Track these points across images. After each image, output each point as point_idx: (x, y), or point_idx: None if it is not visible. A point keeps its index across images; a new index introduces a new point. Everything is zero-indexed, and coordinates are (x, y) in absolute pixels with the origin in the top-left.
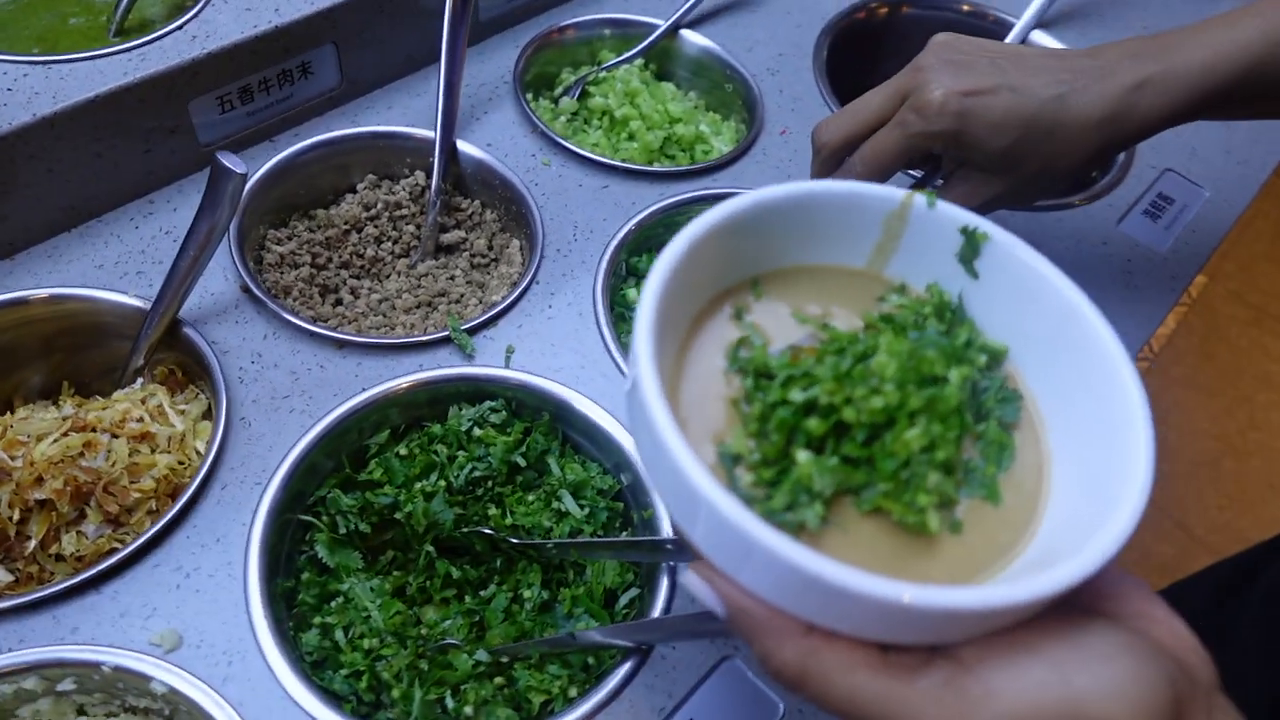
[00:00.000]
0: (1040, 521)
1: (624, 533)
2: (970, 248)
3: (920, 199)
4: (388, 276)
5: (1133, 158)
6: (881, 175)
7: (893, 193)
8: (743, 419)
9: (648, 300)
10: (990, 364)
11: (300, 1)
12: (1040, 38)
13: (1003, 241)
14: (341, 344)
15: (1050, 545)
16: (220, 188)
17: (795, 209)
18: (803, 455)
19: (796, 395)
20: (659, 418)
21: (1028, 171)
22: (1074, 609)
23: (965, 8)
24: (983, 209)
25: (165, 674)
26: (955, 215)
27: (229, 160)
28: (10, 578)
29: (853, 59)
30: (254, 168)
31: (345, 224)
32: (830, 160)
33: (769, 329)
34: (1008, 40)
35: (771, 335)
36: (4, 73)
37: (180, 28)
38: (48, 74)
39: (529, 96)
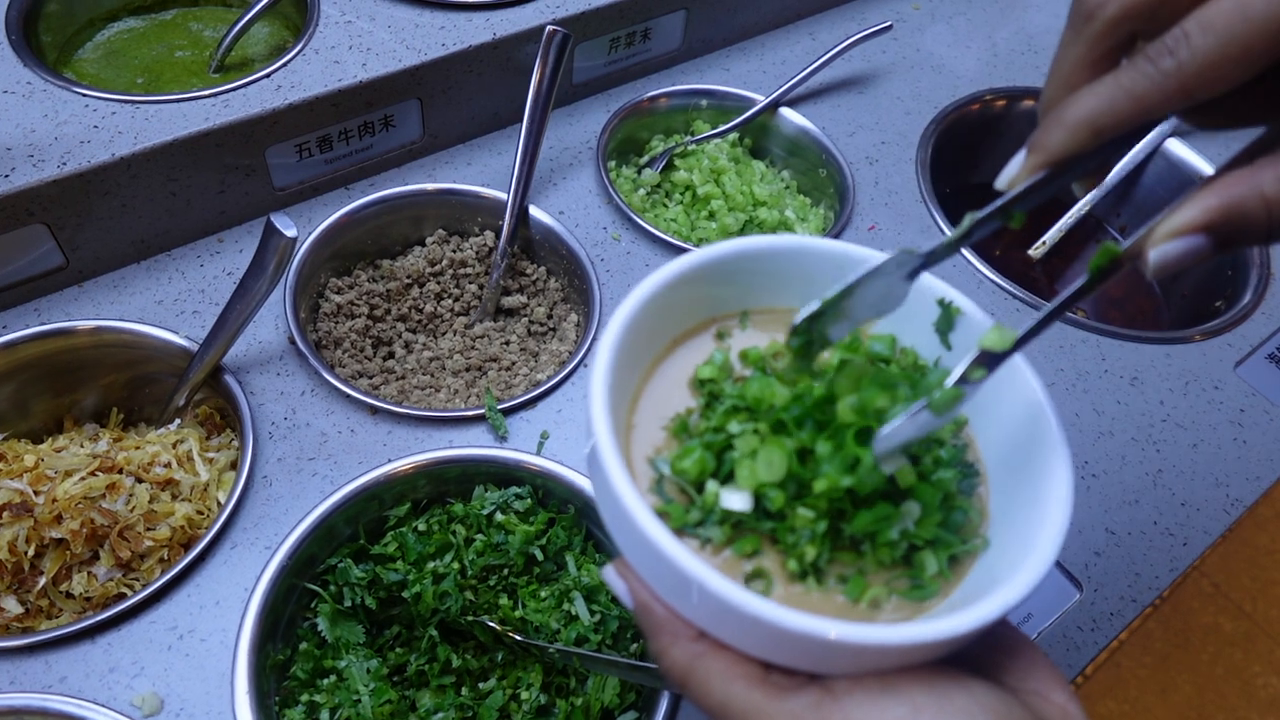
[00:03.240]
0: (955, 589)
1: (634, 645)
2: (945, 320)
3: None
4: (443, 334)
5: (1264, 293)
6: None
7: (878, 256)
8: (688, 432)
9: (630, 305)
10: (951, 425)
11: (388, 58)
12: (1177, 147)
13: (975, 319)
14: (375, 410)
15: (950, 613)
16: (269, 247)
17: (781, 256)
18: (711, 485)
19: (734, 427)
20: (598, 419)
21: None
22: (965, 668)
23: None
24: None
25: None
26: (933, 287)
27: (280, 223)
28: (20, 609)
29: (960, 155)
30: (324, 215)
31: (408, 277)
32: (1107, 35)
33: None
34: (1134, 150)
35: (737, 361)
36: (94, 110)
37: (267, 76)
38: (134, 114)
39: (612, 164)
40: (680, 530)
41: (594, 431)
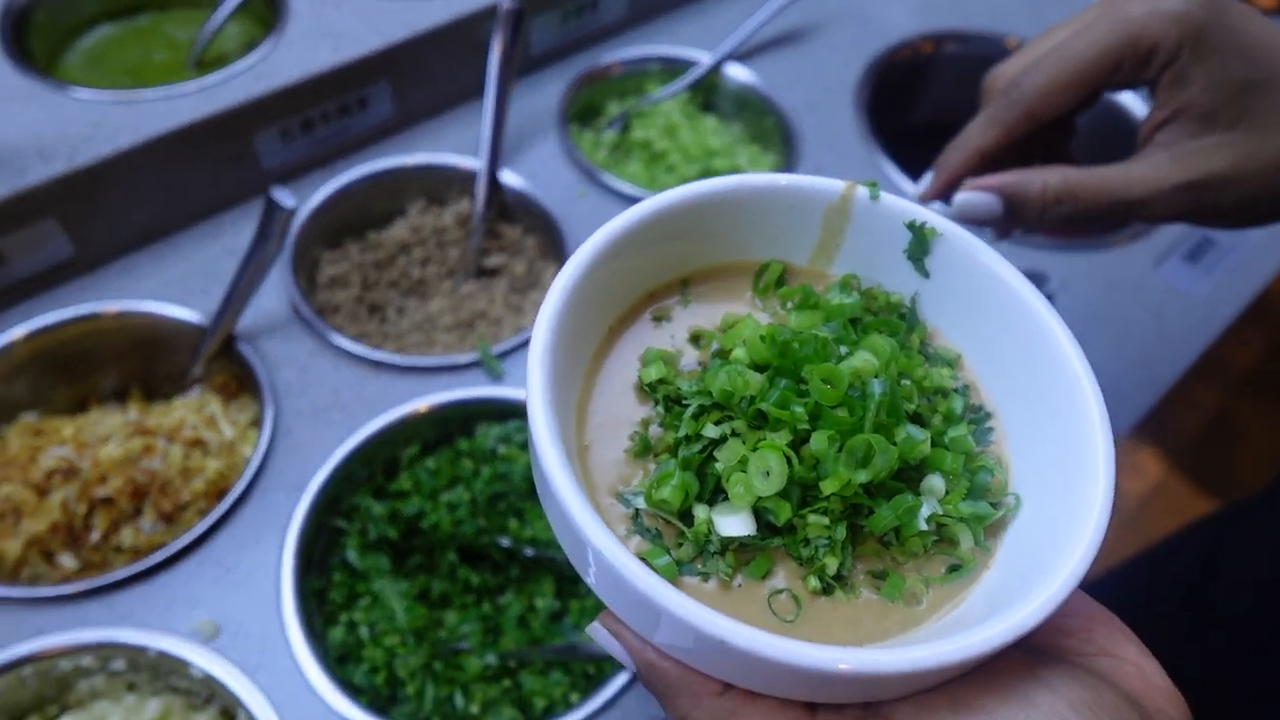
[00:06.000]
0: (995, 558)
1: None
2: (919, 244)
3: (862, 191)
4: (432, 296)
5: None
6: (1069, 79)
7: (831, 184)
8: (651, 450)
9: (546, 317)
10: (947, 369)
11: (358, 42)
12: (1129, 98)
13: (955, 238)
14: (379, 364)
15: (996, 589)
16: (272, 220)
17: (722, 204)
18: (699, 511)
19: (710, 431)
20: (548, 457)
21: (1261, 147)
22: (1029, 650)
23: (1014, 44)
24: (1171, 203)
25: (203, 659)
26: (901, 209)
27: (280, 196)
28: (77, 564)
29: (895, 97)
30: (310, 194)
31: (395, 246)
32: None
33: (688, 337)
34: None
35: (685, 346)
36: (94, 109)
37: (250, 68)
38: (129, 110)
39: (574, 128)
40: (676, 572)
41: (547, 474)
